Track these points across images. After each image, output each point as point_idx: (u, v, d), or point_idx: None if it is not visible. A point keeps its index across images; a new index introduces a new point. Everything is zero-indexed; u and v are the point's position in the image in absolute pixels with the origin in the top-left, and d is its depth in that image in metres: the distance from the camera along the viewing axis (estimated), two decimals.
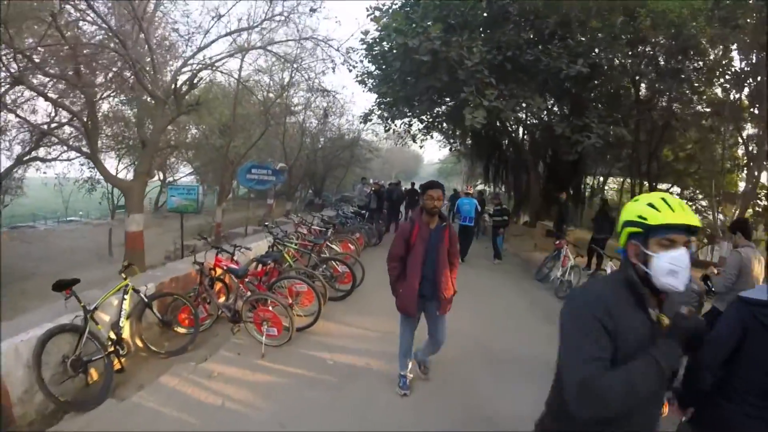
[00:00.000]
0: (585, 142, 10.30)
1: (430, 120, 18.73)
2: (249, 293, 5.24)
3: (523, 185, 18.22)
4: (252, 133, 19.14)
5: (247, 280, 5.46)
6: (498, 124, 18.33)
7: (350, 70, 14.14)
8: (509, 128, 17.95)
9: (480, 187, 43.06)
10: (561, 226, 11.72)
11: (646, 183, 15.04)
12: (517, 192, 18.39)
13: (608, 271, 7.76)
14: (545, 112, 10.78)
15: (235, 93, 16.86)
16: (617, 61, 12.18)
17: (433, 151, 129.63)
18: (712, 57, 11.75)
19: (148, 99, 11.61)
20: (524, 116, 11.70)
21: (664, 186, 15.70)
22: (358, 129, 26.04)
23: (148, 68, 9.70)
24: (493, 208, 12.23)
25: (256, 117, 19.18)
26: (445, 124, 20.21)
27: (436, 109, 16.37)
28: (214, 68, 12.35)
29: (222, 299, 6.00)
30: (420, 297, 4.05)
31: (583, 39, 9.85)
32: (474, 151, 23.24)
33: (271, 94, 18.47)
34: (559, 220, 11.80)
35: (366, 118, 16.64)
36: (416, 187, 19.21)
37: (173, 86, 10.54)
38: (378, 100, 16.42)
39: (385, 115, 16.20)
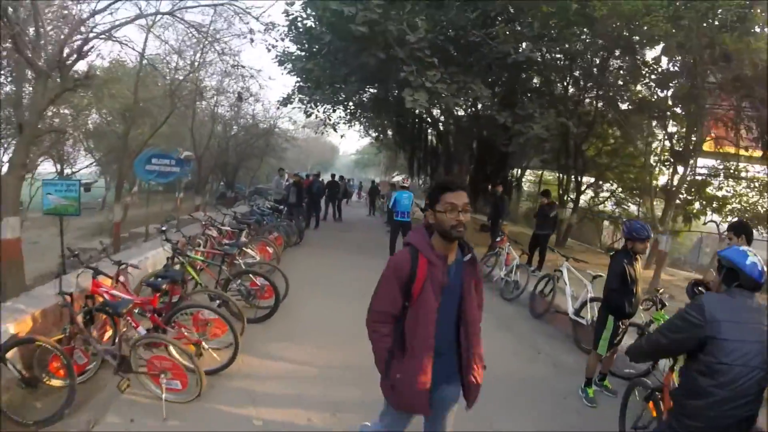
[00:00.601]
0: (529, 132, 9.69)
1: (354, 107, 17.49)
2: (139, 332, 3.65)
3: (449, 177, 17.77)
4: (159, 119, 16.68)
5: (137, 310, 3.85)
6: (424, 114, 17.57)
7: (269, 50, 12.51)
8: (437, 117, 17.23)
9: (397, 178, 42.79)
10: (497, 220, 11.09)
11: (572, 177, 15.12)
12: None
13: (564, 271, 7.09)
14: (486, 100, 10.02)
15: (138, 71, 14.43)
16: (549, 54, 11.80)
17: (349, 143, 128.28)
18: (640, 56, 11.76)
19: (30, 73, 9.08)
20: (460, 104, 10.80)
21: (586, 179, 15.91)
22: (274, 116, 24.09)
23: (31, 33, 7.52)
24: (425, 202, 11.29)
25: (163, 100, 16.72)
26: (369, 112, 19.08)
27: (364, 94, 15.10)
28: (110, 37, 9.96)
29: (108, 334, 4.26)
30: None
31: (535, 22, 9.14)
32: (397, 141, 22.30)
33: (180, 76, 16.07)
34: (495, 214, 11.17)
35: (286, 101, 14.94)
36: (337, 179, 17.85)
37: (60, 57, 8.16)
38: (298, 84, 14.82)
39: (307, 98, 14.64)
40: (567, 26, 9.65)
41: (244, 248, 7.09)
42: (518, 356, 5.56)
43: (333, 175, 17.97)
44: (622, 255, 4.26)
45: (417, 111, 17.54)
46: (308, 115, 16.18)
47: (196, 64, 16.42)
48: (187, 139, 19.37)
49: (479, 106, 13.09)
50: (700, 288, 3.45)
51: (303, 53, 13.58)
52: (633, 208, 17.67)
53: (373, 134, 27.08)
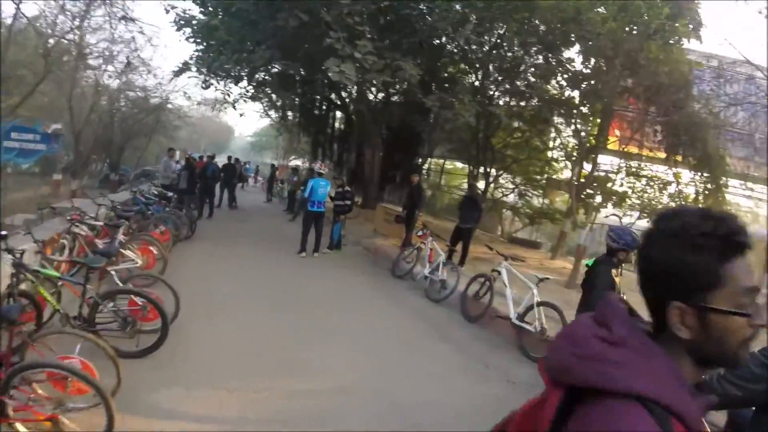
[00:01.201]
0: (458, 120, 9.08)
1: (257, 83, 15.72)
2: None
3: (357, 163, 16.62)
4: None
5: None
6: (333, 94, 16.39)
7: (167, 11, 10.52)
8: (346, 98, 16.13)
9: (294, 163, 40.94)
10: (413, 212, 10.39)
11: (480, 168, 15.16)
12: (351, 171, 16.69)
13: (504, 272, 6.53)
14: (413, 81, 9.20)
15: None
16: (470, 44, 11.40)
17: (246, 124, 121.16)
18: (554, 56, 11.96)
19: None
20: (390, 82, 9.81)
21: (493, 171, 16.11)
22: (167, 90, 21.11)
23: None
24: (335, 191, 10.15)
25: (39, 63, 13.64)
26: (273, 89, 17.38)
27: (272, 67, 13.42)
28: None
29: None
30: None
31: (480, 4, 8.46)
32: (302, 122, 20.60)
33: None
34: (411, 205, 10.43)
35: (182, 70, 12.77)
36: (233, 161, 15.98)
37: None
38: (198, 51, 12.81)
39: (207, 67, 12.65)
40: (512, 14, 9.22)
41: (122, 250, 5.47)
42: (467, 374, 4.81)
43: (229, 158, 15.99)
44: (608, 265, 3.66)
45: (326, 93, 16.34)
46: (206, 87, 14.15)
47: (79, 21, 13.51)
48: (65, 112, 16.05)
49: (397, 87, 12.20)
50: None
51: (207, 14, 11.61)
52: (535, 200, 18.36)
53: (275, 115, 25.17)
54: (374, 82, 9.00)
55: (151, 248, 6.34)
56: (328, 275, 8.17)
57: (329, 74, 7.88)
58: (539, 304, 5.63)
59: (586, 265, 4.05)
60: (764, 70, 8.88)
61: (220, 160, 16.52)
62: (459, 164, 20.69)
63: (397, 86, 11.28)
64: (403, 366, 4.79)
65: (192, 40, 12.45)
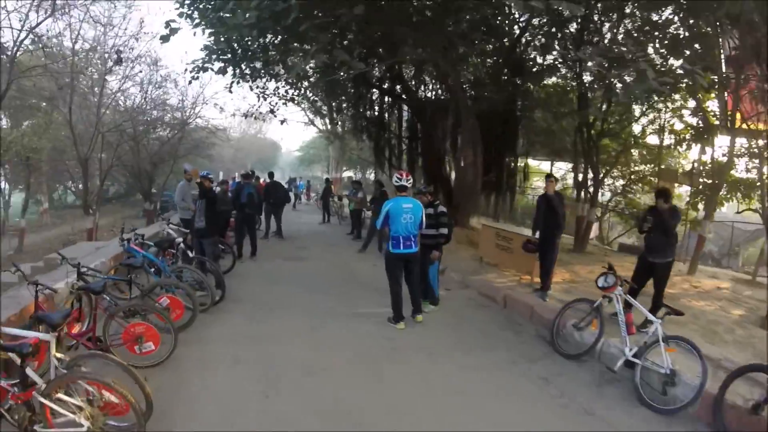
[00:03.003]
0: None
1: (299, 79, 12.48)
2: None
3: (434, 167, 12.87)
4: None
5: None
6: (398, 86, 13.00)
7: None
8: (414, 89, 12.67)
9: (349, 174, 37.68)
10: (554, 235, 6.68)
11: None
12: (429, 178, 12.83)
13: None
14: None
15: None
16: None
17: (293, 138, 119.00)
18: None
19: None
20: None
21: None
22: (195, 101, 18.48)
23: None
24: (424, 210, 6.43)
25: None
26: (318, 89, 14.32)
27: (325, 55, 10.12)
28: None
29: None
30: None
31: None
32: (358, 125, 16.90)
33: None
34: (553, 224, 6.63)
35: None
36: (276, 178, 12.75)
37: None
38: (215, 42, 9.62)
39: (230, 65, 9.59)
40: None
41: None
42: None
43: (271, 174, 12.71)
44: None
45: (388, 85, 13.09)
46: (234, 84, 11.09)
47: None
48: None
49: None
50: None
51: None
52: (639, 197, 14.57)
53: (320, 121, 22.18)
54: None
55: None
56: (454, 370, 4.59)
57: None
58: None
59: None
60: None
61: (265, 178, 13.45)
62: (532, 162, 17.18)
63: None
64: None
65: (211, 25, 9.26)
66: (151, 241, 6.84)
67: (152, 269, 5.98)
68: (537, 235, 6.72)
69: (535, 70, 11.50)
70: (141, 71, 15.29)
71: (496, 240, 8.67)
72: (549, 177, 7.28)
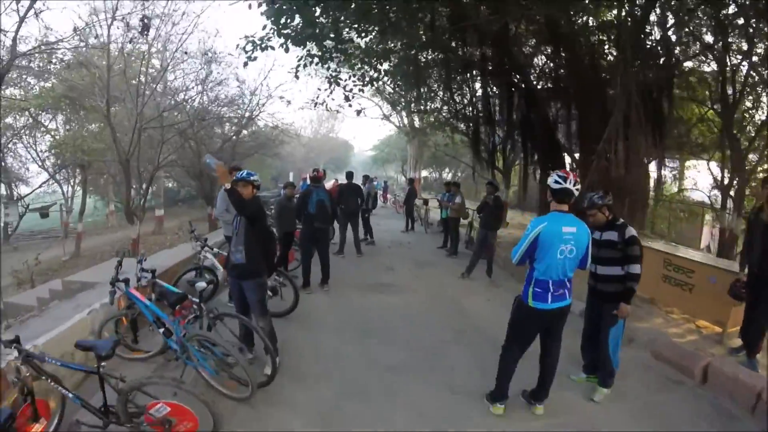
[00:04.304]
0: None
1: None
2: None
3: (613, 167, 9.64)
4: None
5: None
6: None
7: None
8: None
9: (434, 175, 34.62)
10: None
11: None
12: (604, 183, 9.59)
13: None
14: None
15: None
16: None
17: (366, 138, 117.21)
18: None
19: None
20: None
21: None
22: (255, 99, 16.69)
23: None
24: (599, 235, 3.49)
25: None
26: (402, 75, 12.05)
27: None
28: None
29: None
30: None
31: None
32: (455, 112, 13.89)
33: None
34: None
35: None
36: (354, 180, 10.16)
37: None
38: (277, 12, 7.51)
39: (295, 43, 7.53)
40: None
41: None
42: None
43: (350, 175, 10.18)
44: None
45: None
46: (302, 65, 8.80)
47: None
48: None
49: None
50: None
51: None
52: None
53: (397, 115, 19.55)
54: None
55: None
56: None
57: None
58: None
59: None
60: None
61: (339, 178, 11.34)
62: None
63: None
64: None
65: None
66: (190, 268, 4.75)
67: (161, 328, 3.64)
68: (745, 271, 4.48)
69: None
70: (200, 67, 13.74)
71: (663, 270, 6.06)
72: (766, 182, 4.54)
